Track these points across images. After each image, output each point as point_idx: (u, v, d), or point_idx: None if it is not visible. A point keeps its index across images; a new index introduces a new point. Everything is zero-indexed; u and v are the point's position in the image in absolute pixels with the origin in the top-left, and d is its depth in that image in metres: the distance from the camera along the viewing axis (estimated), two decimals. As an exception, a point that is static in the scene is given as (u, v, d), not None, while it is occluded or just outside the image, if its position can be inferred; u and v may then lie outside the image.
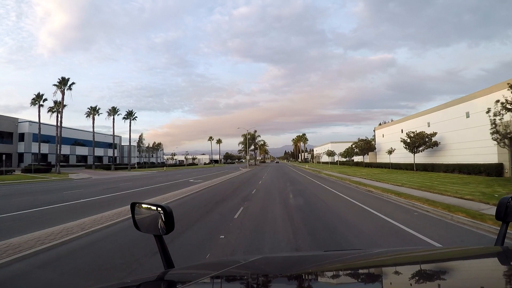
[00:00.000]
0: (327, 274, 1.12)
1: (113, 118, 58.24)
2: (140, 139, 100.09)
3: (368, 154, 46.43)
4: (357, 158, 56.10)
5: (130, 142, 61.63)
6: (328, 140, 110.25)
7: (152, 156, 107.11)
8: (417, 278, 1.00)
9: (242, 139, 75.89)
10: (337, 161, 65.74)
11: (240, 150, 75.01)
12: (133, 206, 1.42)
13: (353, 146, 48.59)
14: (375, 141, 44.75)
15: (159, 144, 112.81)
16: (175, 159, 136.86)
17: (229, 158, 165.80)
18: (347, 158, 59.03)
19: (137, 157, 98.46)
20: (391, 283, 1.01)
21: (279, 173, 37.74)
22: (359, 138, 45.53)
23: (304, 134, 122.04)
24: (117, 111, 58.54)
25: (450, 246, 4.63)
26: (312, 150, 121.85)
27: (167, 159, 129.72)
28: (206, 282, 0.99)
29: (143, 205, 1.38)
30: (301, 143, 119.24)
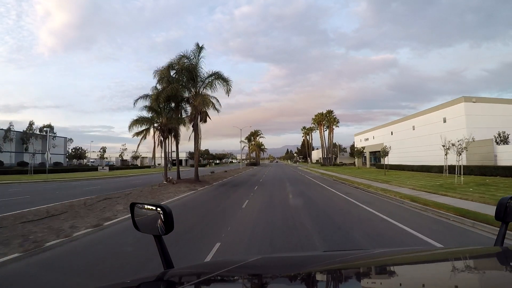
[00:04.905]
0: (327, 274, 1.09)
1: None
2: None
3: None
4: None
5: None
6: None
7: (26, 150, 52.53)
8: (416, 278, 0.99)
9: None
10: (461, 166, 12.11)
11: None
12: (132, 206, 1.38)
13: None
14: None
15: (49, 126, 57.59)
16: (109, 158, 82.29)
17: (211, 158, 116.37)
18: None
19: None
20: (391, 283, 0.99)
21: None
22: None
23: (331, 112, 61.08)
24: None
25: (450, 247, 4.10)
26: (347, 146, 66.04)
27: (87, 158, 75.10)
28: (205, 282, 0.97)
29: (143, 205, 1.34)
30: (323, 128, 62.44)
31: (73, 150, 73.57)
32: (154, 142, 20.15)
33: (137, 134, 19.83)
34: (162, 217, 1.21)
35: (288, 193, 14.20)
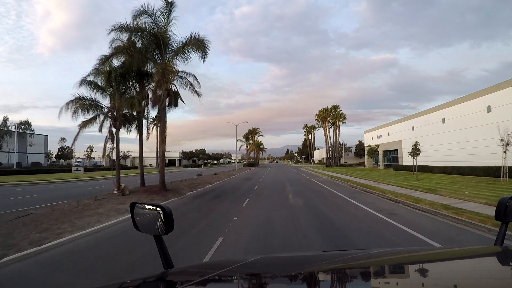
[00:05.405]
0: (327, 274, 1.09)
1: None
2: None
3: None
4: None
5: None
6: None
7: (0, 148, 46.96)
8: (417, 278, 0.99)
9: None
10: None
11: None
12: (132, 206, 1.36)
13: None
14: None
15: (26, 123, 51.89)
16: (97, 158, 76.69)
17: (208, 158, 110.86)
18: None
19: None
20: (390, 283, 0.99)
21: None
22: None
23: (337, 107, 54.78)
24: None
25: (450, 246, 4.18)
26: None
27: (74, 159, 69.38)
28: (205, 282, 0.97)
29: (143, 206, 1.33)
30: (327, 125, 56.65)
31: (60, 149, 68.38)
32: (113, 136, 14.56)
33: (85, 123, 14.26)
34: (162, 217, 1.20)
35: (297, 214, 8.64)
